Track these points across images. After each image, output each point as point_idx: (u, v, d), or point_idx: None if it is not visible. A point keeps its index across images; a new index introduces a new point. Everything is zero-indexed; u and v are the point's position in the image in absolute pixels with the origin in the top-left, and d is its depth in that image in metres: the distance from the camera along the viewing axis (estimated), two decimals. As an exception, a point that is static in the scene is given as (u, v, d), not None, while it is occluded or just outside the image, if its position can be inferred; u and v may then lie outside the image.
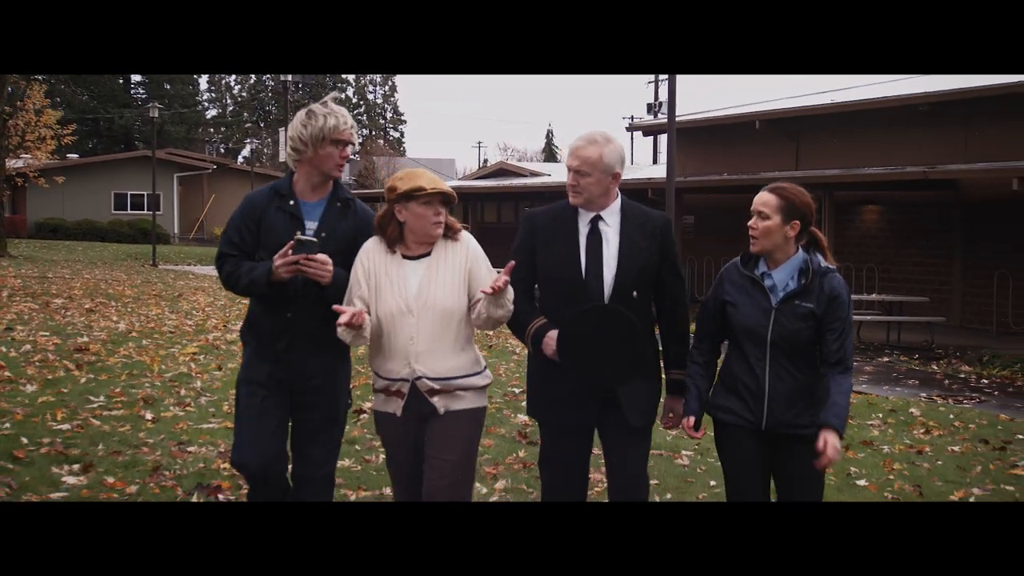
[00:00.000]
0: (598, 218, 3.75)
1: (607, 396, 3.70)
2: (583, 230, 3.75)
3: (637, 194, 17.93)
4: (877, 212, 19.06)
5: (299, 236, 3.62)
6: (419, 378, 3.62)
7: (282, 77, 24.79)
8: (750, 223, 3.61)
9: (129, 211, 46.70)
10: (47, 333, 11.40)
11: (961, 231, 17.47)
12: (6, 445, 5.99)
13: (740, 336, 3.64)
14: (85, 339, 11.06)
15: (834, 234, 16.73)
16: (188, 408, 7.56)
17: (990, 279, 16.58)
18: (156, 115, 31.74)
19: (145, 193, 46.46)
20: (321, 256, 3.63)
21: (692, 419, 3.69)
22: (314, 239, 3.64)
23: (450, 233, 3.71)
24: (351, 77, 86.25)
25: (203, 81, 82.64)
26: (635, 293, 3.72)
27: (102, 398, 7.74)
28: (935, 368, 12.41)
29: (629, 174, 26.35)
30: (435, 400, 3.63)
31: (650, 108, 48.71)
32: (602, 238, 3.74)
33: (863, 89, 21.25)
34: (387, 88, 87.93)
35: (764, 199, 3.61)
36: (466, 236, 3.78)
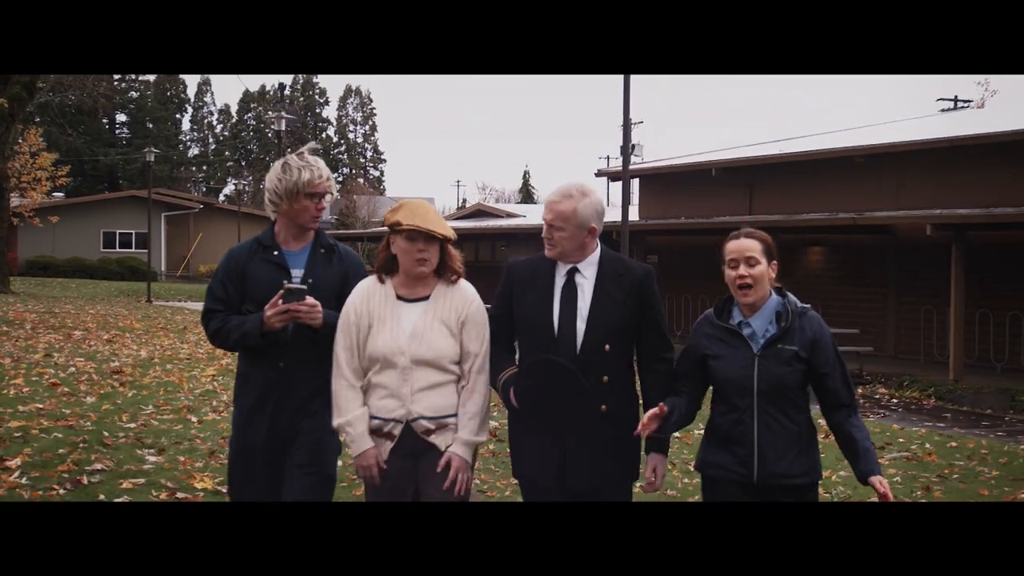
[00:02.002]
0: (575, 270, 3.73)
1: (573, 453, 3.65)
2: (559, 281, 3.73)
3: (603, 237, 19.79)
4: (821, 253, 20.96)
5: (288, 285, 3.66)
6: (415, 419, 3.61)
7: (272, 125, 26.13)
8: (739, 272, 3.49)
9: (118, 249, 48.16)
10: (82, 359, 13.02)
11: (896, 272, 19.36)
12: (95, 436, 7.65)
13: (725, 389, 3.55)
14: (116, 363, 12.69)
15: (780, 274, 18.59)
16: (223, 414, 9.20)
17: (919, 314, 18.45)
18: (152, 159, 33.44)
19: (133, 231, 48.13)
20: (310, 300, 3.68)
21: (664, 407, 3.49)
22: (303, 286, 3.68)
23: (448, 275, 3.70)
24: (332, 117, 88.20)
25: (186, 121, 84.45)
26: (608, 347, 3.66)
27: (151, 407, 9.38)
28: (858, 391, 14.20)
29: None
30: (432, 438, 3.63)
31: (622, 151, 50.77)
32: (577, 290, 3.71)
33: (810, 140, 23.28)
34: (367, 127, 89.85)
35: (749, 245, 3.52)
36: (469, 290, 3.75)
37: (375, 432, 3.64)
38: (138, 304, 29.66)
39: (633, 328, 3.73)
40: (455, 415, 3.66)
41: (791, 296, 3.60)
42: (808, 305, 3.61)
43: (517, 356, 3.82)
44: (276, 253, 3.85)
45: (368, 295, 3.70)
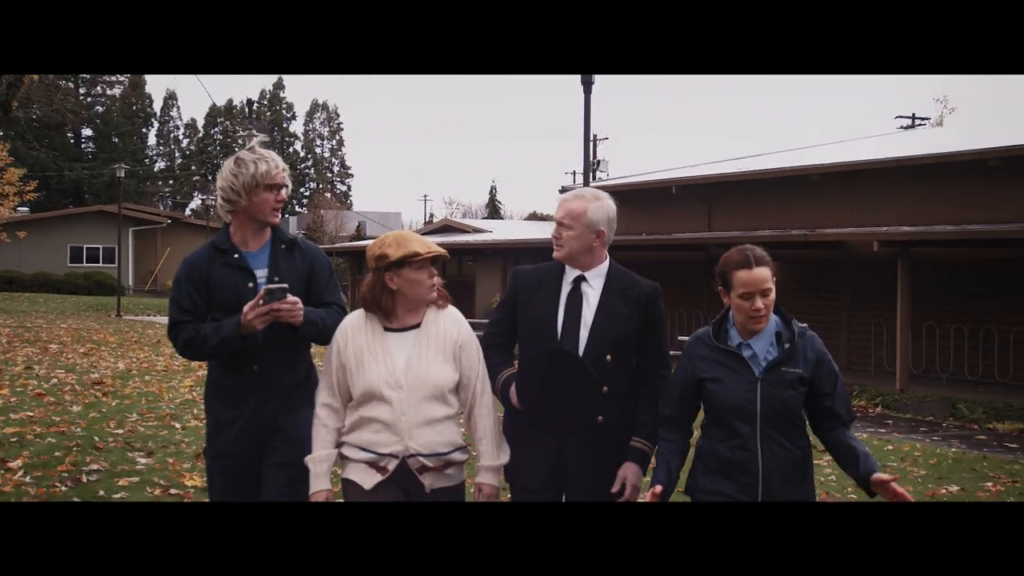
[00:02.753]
0: (581, 278, 3.70)
1: (568, 459, 3.62)
2: (565, 289, 3.70)
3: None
4: (776, 268, 21.71)
5: (269, 286, 3.56)
6: (412, 455, 3.46)
7: (244, 143, 26.50)
8: (755, 305, 3.33)
9: (85, 263, 48.22)
10: (62, 371, 13.44)
11: (848, 286, 20.15)
12: (87, 441, 8.14)
13: (725, 414, 3.37)
14: (96, 375, 13.12)
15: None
16: (204, 421, 9.69)
17: (870, 327, 19.24)
18: (122, 174, 33.73)
19: (101, 246, 48.24)
20: (292, 298, 3.58)
21: (659, 488, 3.33)
22: (284, 285, 3.58)
23: (440, 301, 3.61)
24: (300, 132, 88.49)
25: (152, 135, 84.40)
26: (609, 357, 3.62)
27: (135, 415, 9.86)
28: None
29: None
30: (424, 478, 3.48)
31: (584, 170, 51.53)
32: (583, 298, 3.67)
33: (766, 158, 24.10)
34: (335, 142, 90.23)
35: (763, 276, 3.35)
36: (456, 313, 3.67)
37: (370, 465, 3.49)
38: (108, 318, 29.91)
39: (635, 342, 3.69)
40: (452, 451, 3.53)
41: (789, 316, 3.46)
42: (805, 325, 3.48)
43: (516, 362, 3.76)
44: (236, 256, 3.73)
45: (352, 332, 3.57)
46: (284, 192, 3.76)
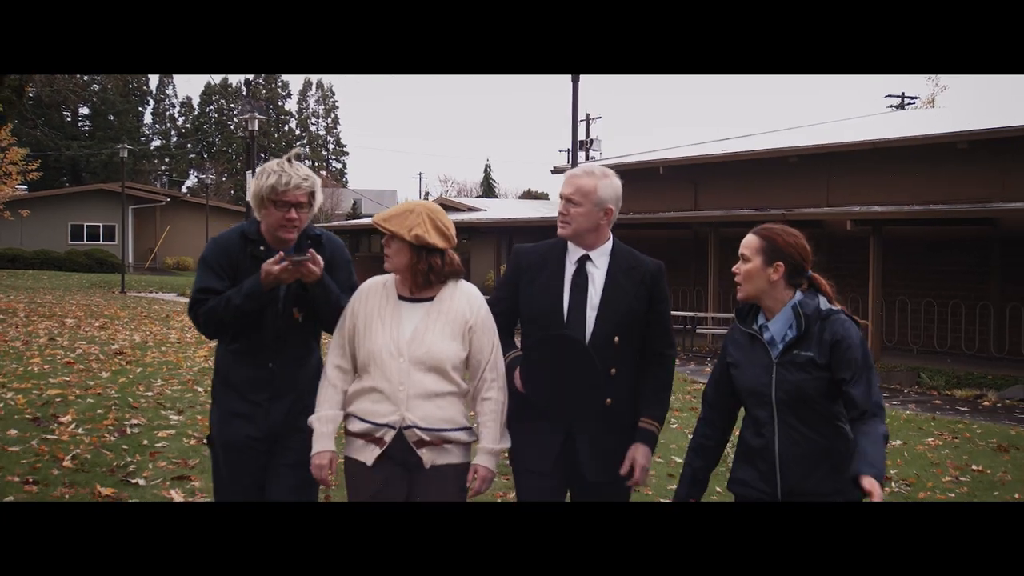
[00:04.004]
0: (586, 258, 3.62)
1: (572, 445, 3.55)
2: (569, 269, 3.62)
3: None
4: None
5: (291, 257, 3.52)
6: (409, 427, 3.41)
7: (245, 126, 27.15)
8: (734, 268, 3.36)
9: (86, 241, 49.05)
10: (84, 342, 14.36)
11: (824, 262, 21.05)
12: (123, 401, 9.09)
13: (745, 399, 3.33)
14: (116, 346, 14.04)
15: (720, 264, 20.26)
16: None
17: (846, 302, 20.16)
18: (125, 154, 34.54)
19: (101, 224, 49.11)
20: (311, 251, 3.56)
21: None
22: (306, 256, 3.53)
23: (443, 277, 3.51)
24: (294, 110, 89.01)
25: (147, 114, 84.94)
26: (617, 339, 3.55)
27: (160, 381, 10.79)
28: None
29: (549, 212, 29.84)
30: (422, 452, 3.42)
31: (582, 145, 52.20)
32: (588, 279, 3.60)
33: (750, 140, 24.98)
34: (330, 120, 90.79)
35: (746, 240, 3.35)
36: (473, 292, 3.59)
37: (364, 437, 3.46)
38: (113, 295, 30.80)
39: (641, 322, 3.62)
40: (453, 430, 3.46)
41: (820, 298, 3.31)
42: (839, 308, 3.31)
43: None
44: (262, 248, 3.67)
45: (368, 293, 3.58)
46: (300, 212, 3.62)
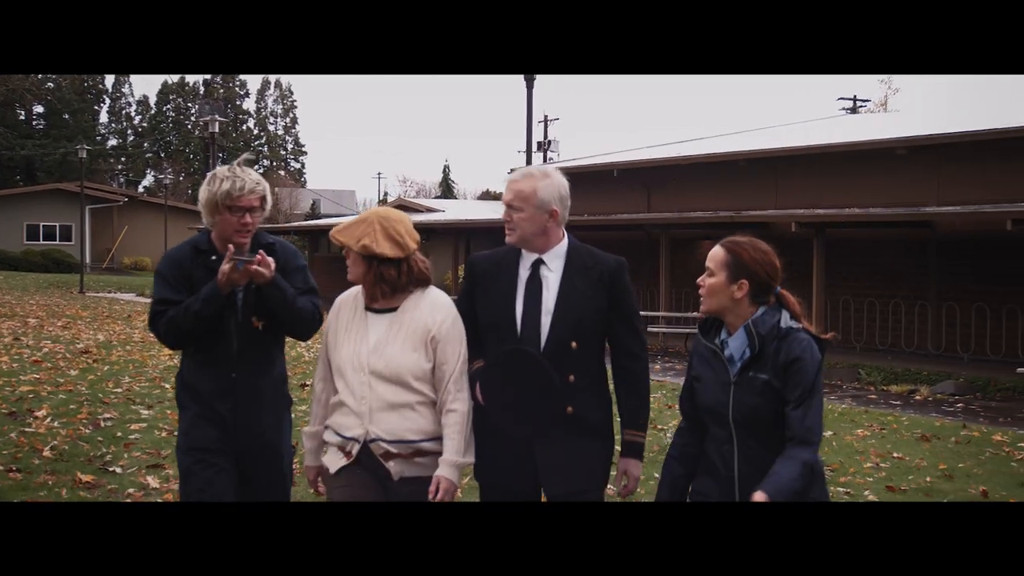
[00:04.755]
0: (540, 262, 3.53)
1: (539, 453, 3.45)
2: (523, 275, 3.53)
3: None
4: (710, 246, 23.29)
5: (234, 255, 3.56)
6: (373, 440, 3.40)
7: (205, 128, 27.22)
8: (699, 280, 3.24)
9: (42, 241, 48.80)
10: (49, 341, 14.64)
11: (773, 262, 21.79)
12: (94, 396, 9.48)
13: (704, 415, 3.23)
14: (81, 345, 14.34)
15: (671, 265, 20.91)
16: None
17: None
18: (84, 155, 34.59)
19: (57, 224, 48.89)
20: (261, 253, 3.60)
21: None
22: (252, 256, 3.58)
23: (401, 286, 3.45)
24: (252, 109, 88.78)
25: (104, 113, 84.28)
26: (574, 344, 3.45)
27: (127, 378, 11.16)
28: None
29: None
30: (390, 465, 3.40)
31: (540, 146, 52.61)
32: (542, 284, 3.50)
33: (701, 143, 25.69)
34: (288, 120, 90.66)
35: (712, 252, 3.21)
36: (440, 299, 3.53)
37: (339, 449, 3.48)
38: (72, 295, 30.87)
39: (603, 324, 3.52)
40: (422, 440, 3.43)
41: (783, 314, 3.15)
42: (800, 325, 3.14)
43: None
44: (214, 258, 3.69)
45: (340, 305, 3.57)
46: (253, 216, 3.67)
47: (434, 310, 3.48)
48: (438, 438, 3.45)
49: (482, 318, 3.58)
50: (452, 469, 3.43)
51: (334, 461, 3.48)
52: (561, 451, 3.46)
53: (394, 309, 3.47)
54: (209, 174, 3.73)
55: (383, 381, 3.40)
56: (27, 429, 7.82)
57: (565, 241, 3.58)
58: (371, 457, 3.41)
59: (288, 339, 3.88)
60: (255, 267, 3.57)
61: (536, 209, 3.49)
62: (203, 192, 3.67)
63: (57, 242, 48.86)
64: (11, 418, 8.27)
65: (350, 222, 3.49)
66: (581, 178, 27.36)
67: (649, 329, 21.29)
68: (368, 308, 3.50)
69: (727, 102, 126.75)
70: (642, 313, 3.79)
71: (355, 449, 3.42)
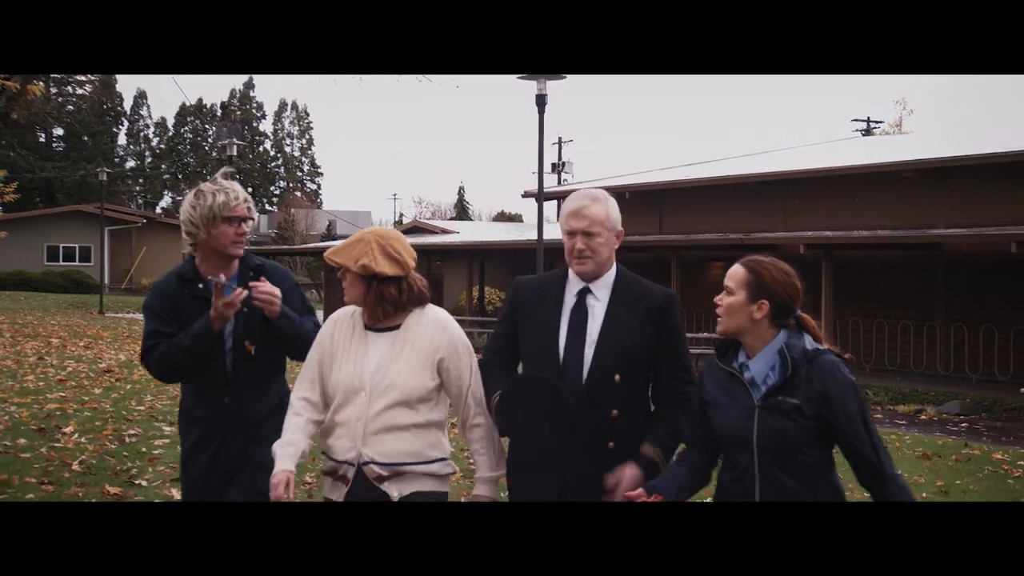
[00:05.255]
0: (586, 290, 3.41)
1: (573, 491, 3.22)
2: (568, 303, 3.41)
3: (525, 253, 22.27)
4: (720, 267, 23.62)
5: (213, 279, 3.54)
6: (367, 463, 3.28)
7: (223, 151, 27.52)
8: (716, 298, 3.15)
9: (62, 263, 49.42)
10: (72, 361, 15.01)
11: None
12: (118, 414, 9.82)
13: (724, 442, 3.10)
14: (103, 365, 14.70)
15: (683, 285, 21.16)
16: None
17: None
18: (104, 177, 35.16)
19: (77, 245, 49.55)
20: (268, 285, 3.58)
21: (642, 492, 3.07)
22: (224, 281, 3.55)
23: (402, 305, 3.36)
24: (269, 130, 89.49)
25: (122, 135, 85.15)
26: (617, 377, 3.32)
27: (149, 396, 11.50)
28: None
29: (521, 235, 30.76)
30: (385, 486, 3.28)
31: (554, 167, 52.80)
32: (588, 313, 3.39)
33: (712, 166, 25.99)
34: (304, 141, 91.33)
35: (732, 271, 3.13)
36: (442, 317, 3.44)
37: (331, 475, 3.38)
38: (92, 315, 31.35)
39: (649, 357, 3.39)
40: (416, 463, 3.30)
41: (806, 337, 3.06)
42: (824, 347, 3.05)
43: None
44: (201, 286, 3.68)
45: (335, 324, 3.46)
46: (247, 225, 3.70)
47: (438, 327, 3.39)
48: (434, 460, 3.35)
49: (523, 345, 3.49)
50: (489, 486, 3.38)
51: (334, 492, 3.37)
52: (597, 488, 3.27)
53: (396, 327, 3.38)
54: (194, 191, 3.71)
55: (386, 402, 3.29)
56: (56, 444, 8.15)
57: (613, 270, 3.46)
58: (365, 481, 3.30)
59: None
60: (262, 297, 3.57)
61: (610, 232, 3.42)
62: (193, 208, 3.64)
63: (77, 263, 49.47)
64: (41, 434, 8.62)
65: (345, 243, 3.41)
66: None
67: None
68: (367, 327, 3.41)
69: (740, 132, 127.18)
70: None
71: (350, 473, 3.31)
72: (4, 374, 12.98)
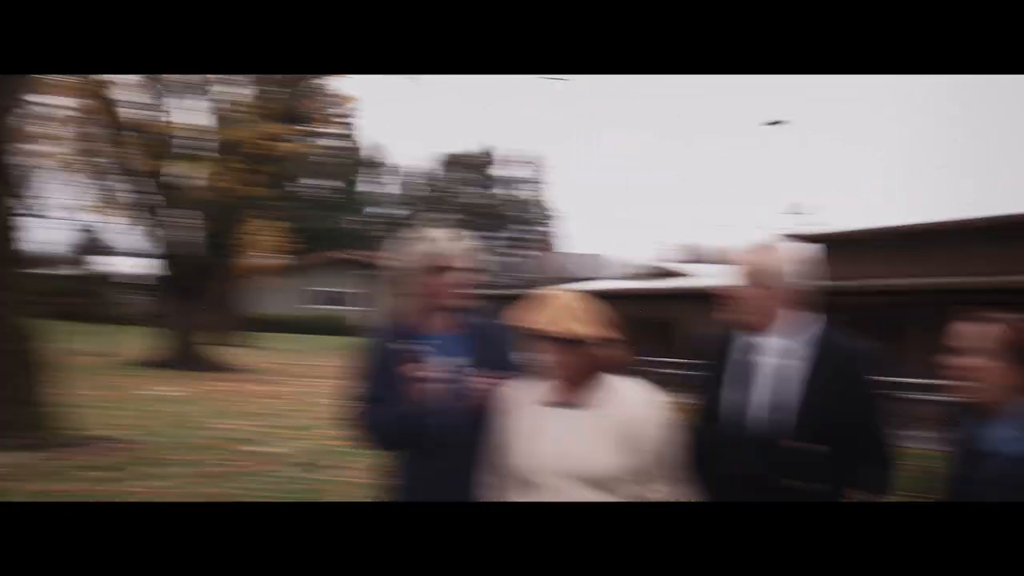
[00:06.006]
0: (764, 343, 3.21)
1: None
2: (747, 358, 3.25)
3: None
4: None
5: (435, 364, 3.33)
6: None
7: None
8: (961, 360, 2.84)
9: (321, 306, 52.10)
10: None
11: None
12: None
13: None
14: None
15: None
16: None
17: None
18: (362, 226, 37.10)
19: (333, 290, 52.39)
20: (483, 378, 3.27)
21: None
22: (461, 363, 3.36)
23: (595, 371, 3.05)
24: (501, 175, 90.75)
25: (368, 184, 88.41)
26: (807, 441, 3.10)
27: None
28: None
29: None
30: None
31: (793, 209, 50.53)
32: (763, 370, 3.20)
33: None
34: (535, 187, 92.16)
35: (981, 331, 2.83)
36: (637, 392, 3.08)
37: None
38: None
39: (844, 419, 3.08)
40: None
41: None
42: None
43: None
44: (412, 343, 3.36)
45: (514, 401, 3.16)
46: (462, 276, 3.37)
47: (632, 397, 3.09)
48: None
49: (704, 401, 3.33)
50: None
51: None
52: None
53: (584, 403, 3.07)
54: (410, 234, 3.47)
55: (578, 485, 2.97)
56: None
57: (799, 322, 3.21)
58: None
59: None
60: (479, 392, 3.24)
61: (776, 285, 3.23)
62: (409, 253, 3.38)
63: (334, 307, 51.08)
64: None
65: (537, 306, 3.07)
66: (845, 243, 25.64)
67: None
68: (553, 403, 3.09)
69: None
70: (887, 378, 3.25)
71: None
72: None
